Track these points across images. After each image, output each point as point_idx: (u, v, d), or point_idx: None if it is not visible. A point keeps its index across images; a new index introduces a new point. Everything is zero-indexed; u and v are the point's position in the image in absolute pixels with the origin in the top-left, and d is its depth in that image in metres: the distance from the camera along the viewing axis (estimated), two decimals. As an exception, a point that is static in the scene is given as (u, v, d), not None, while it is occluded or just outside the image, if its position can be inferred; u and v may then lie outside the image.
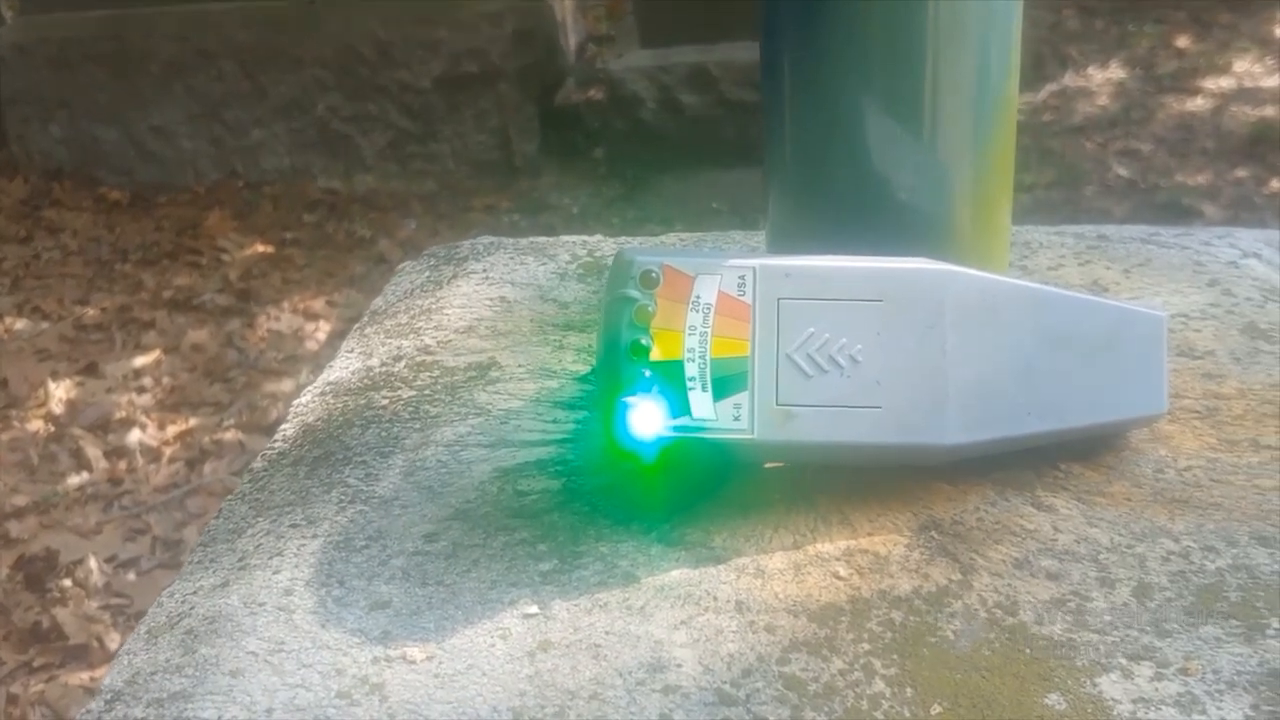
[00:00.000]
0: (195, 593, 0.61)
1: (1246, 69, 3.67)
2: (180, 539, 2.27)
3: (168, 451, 2.55)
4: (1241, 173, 3.15)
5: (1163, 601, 0.56)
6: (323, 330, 2.96)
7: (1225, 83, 3.62)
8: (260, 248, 3.38)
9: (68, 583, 2.15)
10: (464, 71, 3.54)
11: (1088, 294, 0.67)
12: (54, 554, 2.21)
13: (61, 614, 2.08)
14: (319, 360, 2.82)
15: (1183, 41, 3.91)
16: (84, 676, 1.97)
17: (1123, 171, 3.23)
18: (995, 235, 0.72)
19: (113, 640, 2.02)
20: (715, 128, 3.46)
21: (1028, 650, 0.54)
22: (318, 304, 3.07)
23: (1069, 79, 3.69)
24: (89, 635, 2.03)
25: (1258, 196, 3.05)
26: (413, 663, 0.55)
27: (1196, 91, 3.60)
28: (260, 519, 0.66)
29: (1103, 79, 3.73)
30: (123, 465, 2.51)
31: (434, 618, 0.57)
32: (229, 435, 2.58)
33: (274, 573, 0.61)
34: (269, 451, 0.73)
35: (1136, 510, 0.62)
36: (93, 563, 2.18)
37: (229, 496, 0.69)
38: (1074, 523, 0.61)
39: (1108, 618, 0.55)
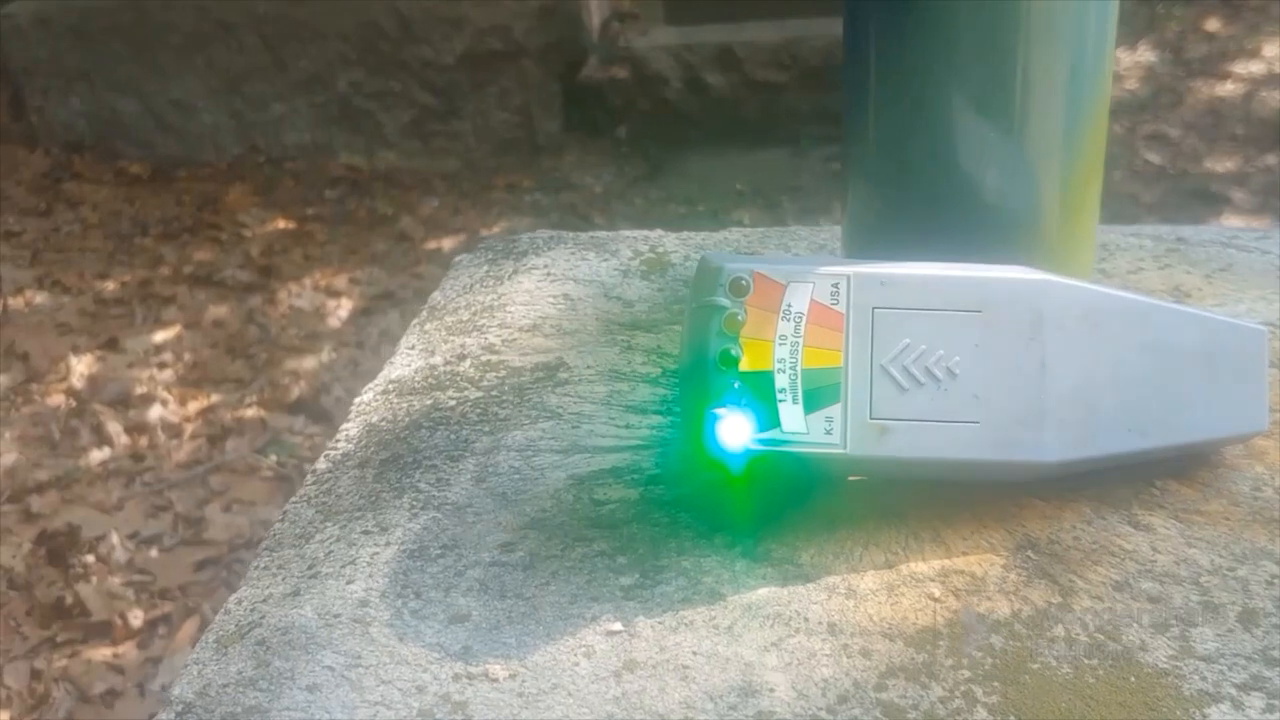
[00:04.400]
0: (265, 601, 0.60)
1: (1277, 53, 3.63)
2: (202, 516, 2.26)
3: (189, 428, 2.54)
4: (1271, 159, 3.12)
5: (1269, 628, 0.54)
6: (345, 307, 2.94)
7: (1255, 67, 3.58)
8: (282, 224, 3.37)
9: (90, 558, 2.14)
10: (487, 48, 3.51)
11: (1187, 306, 0.65)
12: (76, 529, 2.21)
13: (84, 590, 2.07)
14: (341, 338, 2.81)
15: (1212, 25, 3.87)
16: (106, 652, 1.97)
17: (1151, 156, 3.20)
18: (1082, 238, 0.70)
19: (135, 617, 2.01)
20: (740, 108, 3.44)
21: (1133, 678, 0.52)
22: (340, 281, 3.06)
23: (1096, 62, 3.65)
24: (111, 611, 2.02)
25: (1287, 182, 3.02)
26: (495, 681, 0.53)
27: (1226, 76, 3.56)
28: (329, 524, 0.65)
29: (1131, 62, 3.70)
30: (144, 441, 2.50)
31: (515, 633, 0.56)
32: (250, 412, 2.57)
33: (347, 582, 0.60)
34: (332, 452, 0.71)
35: (1236, 530, 0.60)
36: (115, 539, 2.17)
37: (293, 499, 0.68)
38: (1173, 543, 0.59)
39: (1213, 645, 0.53)
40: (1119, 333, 0.59)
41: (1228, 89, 3.48)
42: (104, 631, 2.00)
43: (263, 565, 0.63)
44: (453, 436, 0.70)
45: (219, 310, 2.96)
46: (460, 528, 0.63)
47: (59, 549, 2.18)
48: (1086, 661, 0.53)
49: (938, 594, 0.57)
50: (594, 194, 3.38)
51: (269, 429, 2.52)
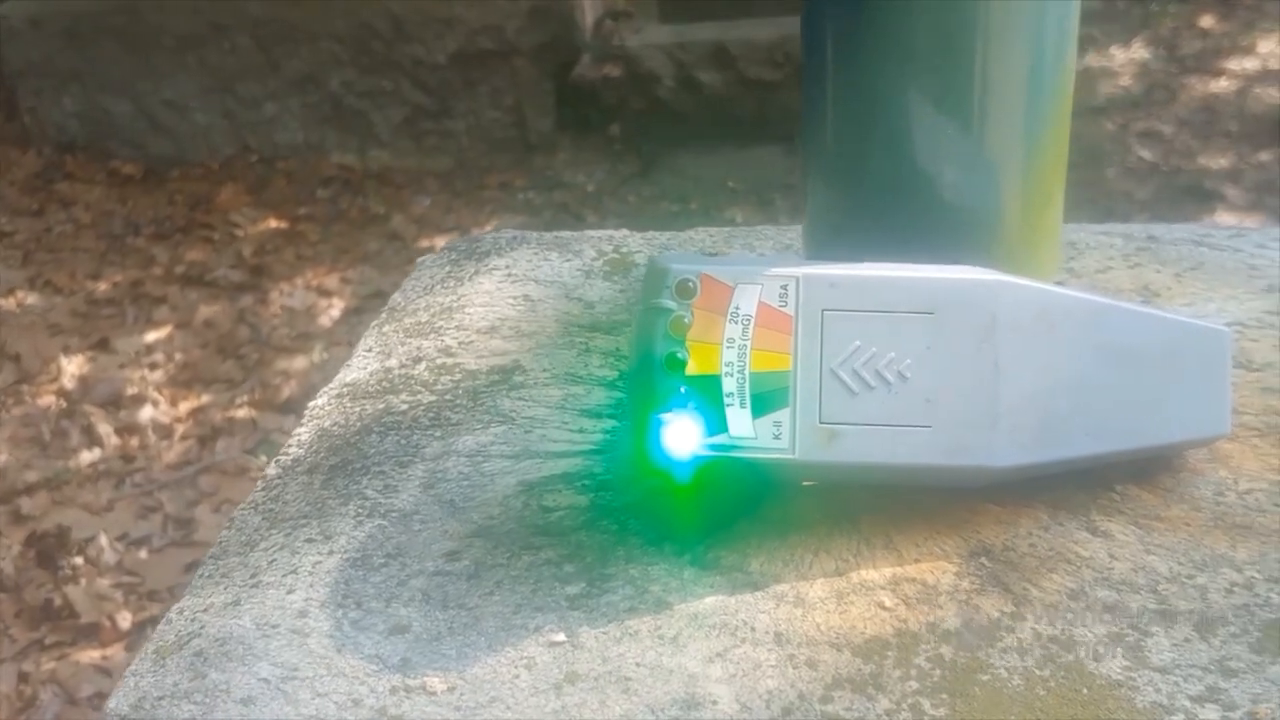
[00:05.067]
0: (206, 610, 0.58)
1: (1271, 50, 3.61)
2: (192, 517, 2.26)
3: (180, 428, 2.54)
4: (1265, 156, 3.10)
5: (1227, 638, 0.53)
6: (336, 307, 2.93)
7: (1249, 64, 3.56)
8: (274, 223, 3.36)
9: (79, 560, 2.13)
10: (479, 47, 3.50)
11: (1147, 307, 0.63)
12: (65, 531, 2.20)
13: (73, 592, 2.07)
14: (333, 337, 2.80)
15: (1207, 21, 3.85)
16: (95, 655, 1.96)
17: (1144, 153, 3.18)
18: (1046, 237, 0.69)
19: (124, 619, 2.00)
20: (733, 106, 3.42)
21: (1085, 690, 0.51)
22: (331, 280, 3.04)
23: (1091, 59, 3.64)
24: (100, 613, 2.01)
25: (1281, 180, 3.00)
26: (433, 694, 0.52)
27: (1220, 72, 3.55)
28: (274, 531, 0.63)
29: (1125, 59, 3.68)
30: (134, 442, 2.49)
31: (455, 644, 0.54)
32: (241, 413, 2.56)
33: (288, 592, 0.59)
34: (283, 457, 0.70)
35: (1196, 537, 0.58)
36: (104, 540, 2.17)
37: (241, 505, 0.67)
38: (1131, 550, 0.58)
39: (1169, 655, 0.52)
40: (1076, 334, 0.57)
41: (1222, 85, 3.47)
42: (92, 634, 1.99)
43: (206, 574, 0.62)
44: (403, 441, 0.69)
45: (210, 310, 2.96)
46: (405, 536, 0.61)
47: (48, 550, 2.17)
48: (1038, 673, 0.51)
49: (888, 603, 0.55)
50: (587, 192, 3.37)
51: (260, 429, 2.51)
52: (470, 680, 0.53)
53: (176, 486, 2.35)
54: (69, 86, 3.74)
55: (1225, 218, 2.82)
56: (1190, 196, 2.95)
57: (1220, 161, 3.10)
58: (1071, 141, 0.71)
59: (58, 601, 2.05)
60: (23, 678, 1.93)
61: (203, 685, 0.54)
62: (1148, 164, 3.12)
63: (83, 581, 2.09)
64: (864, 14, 0.64)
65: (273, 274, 3.09)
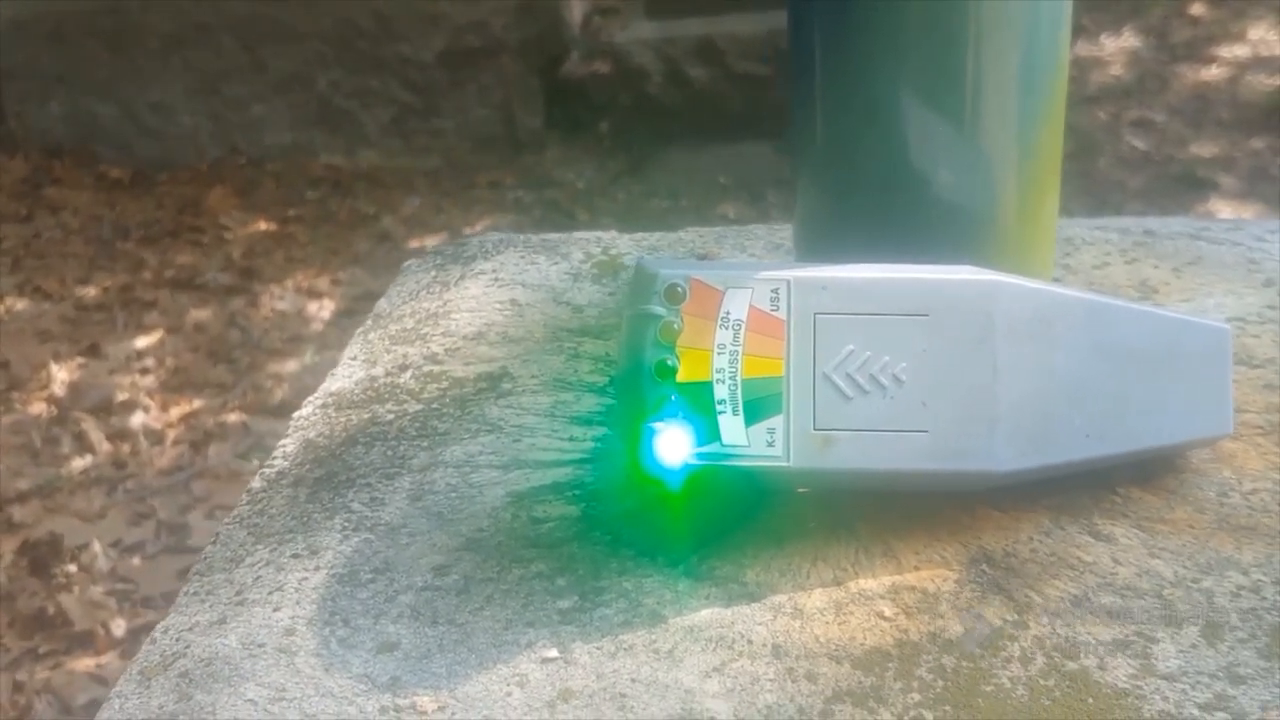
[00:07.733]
0: (191, 629, 0.57)
1: (1262, 36, 3.60)
2: (185, 523, 2.24)
3: (171, 434, 2.52)
4: (1258, 143, 3.09)
5: (1234, 643, 0.52)
6: (327, 309, 2.91)
7: (1241, 51, 3.55)
8: (263, 225, 3.34)
9: (72, 568, 2.12)
10: (466, 45, 3.48)
11: (1146, 304, 0.62)
12: (58, 539, 2.18)
13: (66, 600, 2.05)
14: (324, 340, 2.78)
15: (1197, 9, 3.84)
16: (89, 663, 1.94)
17: (1137, 143, 3.17)
18: (1040, 234, 0.68)
19: (118, 626, 1.99)
20: (722, 101, 3.40)
21: (1090, 700, 0.49)
22: (322, 282, 3.03)
23: (1081, 48, 3.63)
24: (94, 621, 2.00)
25: (1274, 167, 2.99)
26: (423, 713, 0.51)
27: (1211, 60, 3.54)
28: (260, 547, 0.62)
29: (1116, 47, 3.67)
30: (126, 448, 2.47)
31: (445, 662, 0.53)
32: (233, 417, 2.54)
33: (274, 610, 0.57)
34: (268, 470, 0.69)
35: (1201, 539, 0.57)
36: (97, 547, 2.15)
37: (226, 520, 0.65)
38: (1135, 554, 0.57)
39: (1176, 662, 0.51)
40: (1074, 334, 0.56)
41: (1213, 73, 3.46)
42: (86, 642, 1.98)
43: (192, 591, 0.60)
44: (389, 453, 0.68)
45: (201, 314, 2.94)
46: (393, 550, 0.60)
47: (41, 559, 2.16)
48: (1042, 683, 0.50)
49: (888, 612, 0.54)
50: (577, 190, 3.35)
51: (252, 433, 2.49)
52: (461, 699, 0.51)
53: (169, 492, 2.33)
54: (54, 90, 3.72)
55: (1219, 206, 2.81)
56: (1183, 185, 2.94)
57: (1213, 149, 3.09)
58: (1064, 131, 0.70)
59: (51, 610, 2.03)
60: (17, 687, 1.91)
61: (189, 707, 0.52)
62: (1140, 153, 3.11)
63: (76, 589, 2.07)
64: (853, 10, 0.62)
65: (262, 276, 3.08)
